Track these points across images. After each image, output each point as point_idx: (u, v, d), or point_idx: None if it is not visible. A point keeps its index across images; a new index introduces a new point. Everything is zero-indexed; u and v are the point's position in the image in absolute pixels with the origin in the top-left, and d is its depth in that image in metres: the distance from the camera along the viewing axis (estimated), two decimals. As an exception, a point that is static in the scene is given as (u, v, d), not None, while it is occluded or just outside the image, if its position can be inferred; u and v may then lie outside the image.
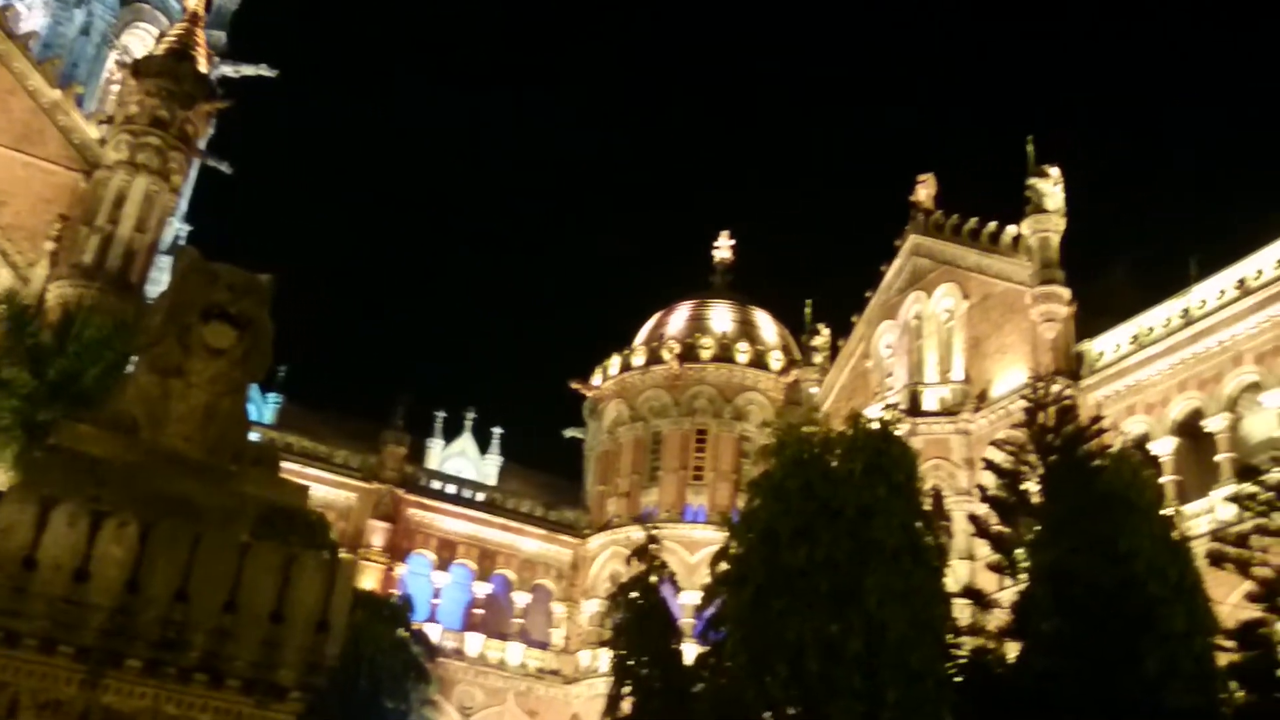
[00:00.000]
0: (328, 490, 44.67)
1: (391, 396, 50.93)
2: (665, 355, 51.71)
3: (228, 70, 51.04)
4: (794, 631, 15.05)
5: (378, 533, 46.01)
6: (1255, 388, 30.97)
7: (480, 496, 50.45)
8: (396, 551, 46.53)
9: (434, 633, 44.60)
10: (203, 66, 38.62)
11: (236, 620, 6.29)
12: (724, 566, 16.89)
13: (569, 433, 55.33)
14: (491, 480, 54.21)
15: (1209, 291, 32.66)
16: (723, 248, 58.64)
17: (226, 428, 7.29)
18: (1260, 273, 31.24)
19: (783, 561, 15.72)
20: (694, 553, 44.15)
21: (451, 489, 50.05)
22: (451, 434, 56.30)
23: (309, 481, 34.96)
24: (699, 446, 50.35)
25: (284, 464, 8.87)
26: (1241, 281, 31.68)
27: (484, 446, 56.73)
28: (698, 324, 54.24)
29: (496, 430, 56.93)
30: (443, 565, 47.92)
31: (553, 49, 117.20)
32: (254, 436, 9.68)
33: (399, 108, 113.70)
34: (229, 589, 6.32)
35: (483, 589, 48.51)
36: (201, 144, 42.48)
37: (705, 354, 51.47)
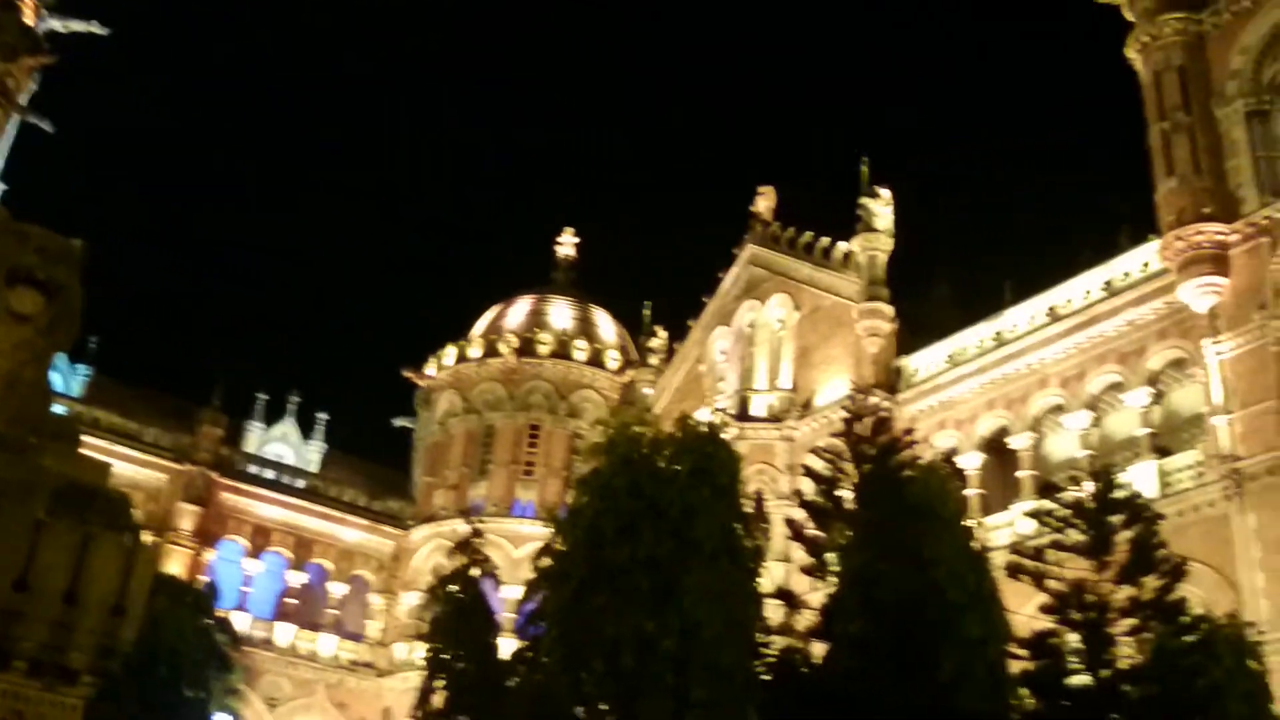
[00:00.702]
0: (136, 470, 42.72)
1: (211, 375, 49.10)
2: (502, 349, 51.49)
3: (55, 24, 48.14)
4: (611, 628, 15.22)
5: (187, 516, 44.25)
6: (1059, 409, 32.92)
7: (300, 483, 49.10)
8: (207, 536, 44.86)
9: (243, 621, 43.31)
10: (28, 18, 36.35)
11: (27, 600, 6.00)
12: (547, 562, 16.95)
13: (398, 422, 54.47)
14: (314, 467, 52.80)
15: (1021, 316, 34.57)
16: (566, 244, 58.79)
17: (28, 398, 6.92)
18: (1070, 301, 33.24)
19: (605, 559, 15.87)
20: (520, 548, 44.07)
21: (269, 474, 48.58)
22: (274, 417, 54.54)
23: (115, 460, 33.51)
24: (531, 442, 50.32)
25: (90, 440, 8.49)
26: (1052, 309, 33.64)
27: (307, 432, 55.15)
28: (537, 319, 54.22)
29: (322, 415, 55.52)
30: (256, 552, 46.43)
31: (402, 27, 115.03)
32: (59, 409, 9.19)
33: (239, 74, 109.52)
34: (20, 567, 6.02)
35: (297, 578, 47.24)
36: (23, 99, 40.01)
37: (543, 349, 51.49)
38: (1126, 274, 31.88)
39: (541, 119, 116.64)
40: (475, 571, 22.84)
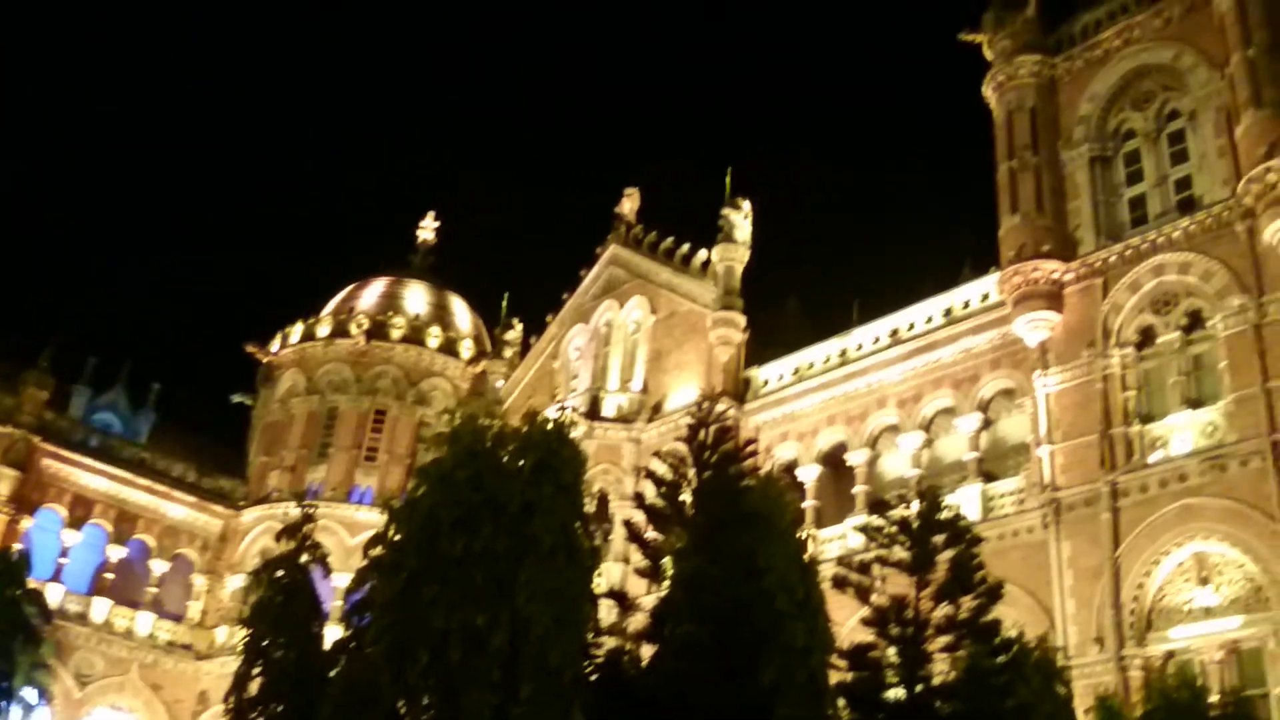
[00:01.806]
0: (-49, 430, 40.18)
1: (40, 336, 46.51)
2: (353, 329, 50.32)
3: None
4: (441, 621, 14.98)
5: (5, 481, 41.99)
6: (895, 429, 34.06)
7: (127, 454, 46.96)
8: (24, 503, 42.57)
9: (56, 594, 41.40)
10: None
11: None
12: (378, 551, 16.57)
13: (237, 398, 52.57)
14: (143, 438, 50.54)
15: (866, 336, 35.65)
16: (427, 229, 57.86)
17: None
18: (912, 326, 34.44)
19: (440, 551, 15.61)
20: (356, 535, 43.06)
21: (94, 442, 46.32)
22: (104, 384, 51.93)
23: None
24: (376, 427, 49.33)
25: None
26: (895, 331, 34.79)
27: (139, 401, 52.72)
28: (391, 302, 53.19)
29: (155, 385, 53.20)
30: (75, 524, 44.21)
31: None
32: None
33: (87, 25, 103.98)
34: None
35: (117, 553, 45.17)
36: None
37: (395, 333, 50.54)
38: (966, 303, 33.21)
39: (415, 100, 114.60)
40: (305, 557, 22.18)
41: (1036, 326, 30.02)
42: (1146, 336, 28.51)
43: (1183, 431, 26.95)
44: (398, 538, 16.40)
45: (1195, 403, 27.12)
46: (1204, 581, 25.72)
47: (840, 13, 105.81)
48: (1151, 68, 31.05)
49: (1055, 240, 30.52)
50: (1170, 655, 25.64)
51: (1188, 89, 30.00)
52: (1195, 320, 27.77)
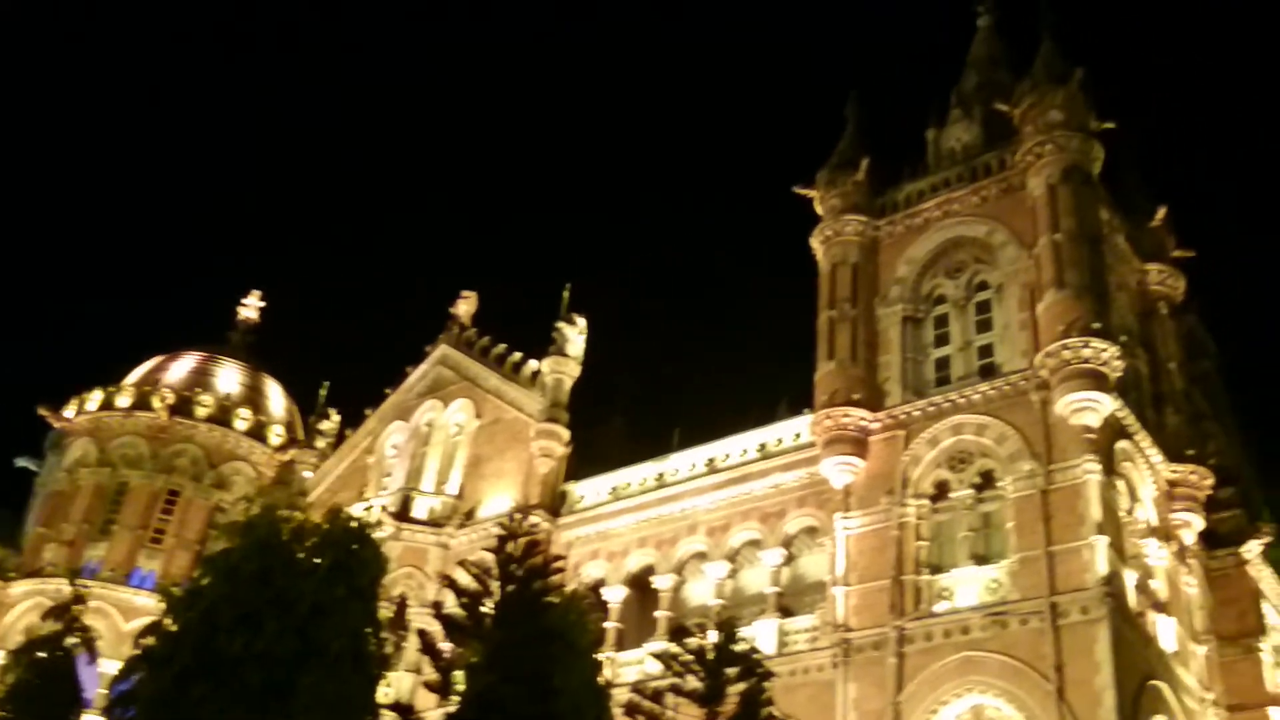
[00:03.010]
0: None
1: None
2: (155, 403, 48.00)
3: None
4: (209, 723, 14.19)
5: None
6: (702, 556, 34.43)
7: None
8: None
9: None
10: None
11: None
12: (151, 641, 15.61)
13: (21, 462, 49.21)
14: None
15: (684, 462, 36.20)
16: (250, 307, 56.19)
17: None
18: (728, 456, 35.20)
19: (217, 647, 14.85)
20: (132, 620, 40.47)
21: None
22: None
23: None
24: (167, 508, 46.90)
25: None
26: (711, 461, 35.47)
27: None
28: (200, 379, 51.10)
29: (-67, 442, 49.30)
30: None
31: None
32: None
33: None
34: None
35: None
36: None
37: (201, 411, 48.48)
38: (780, 440, 34.23)
39: (250, 174, 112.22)
40: (71, 640, 20.68)
41: (842, 470, 31.14)
42: (941, 490, 29.89)
43: (968, 585, 28.15)
44: (174, 629, 15.53)
45: (982, 559, 28.42)
46: (978, 734, 26.54)
47: (689, 148, 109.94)
48: (966, 240, 33.30)
49: (865, 390, 31.96)
50: (946, 806, 26.21)
51: (997, 264, 32.25)
52: (987, 480, 29.30)
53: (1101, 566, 26.15)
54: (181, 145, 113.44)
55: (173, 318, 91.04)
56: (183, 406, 48.14)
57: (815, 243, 35.48)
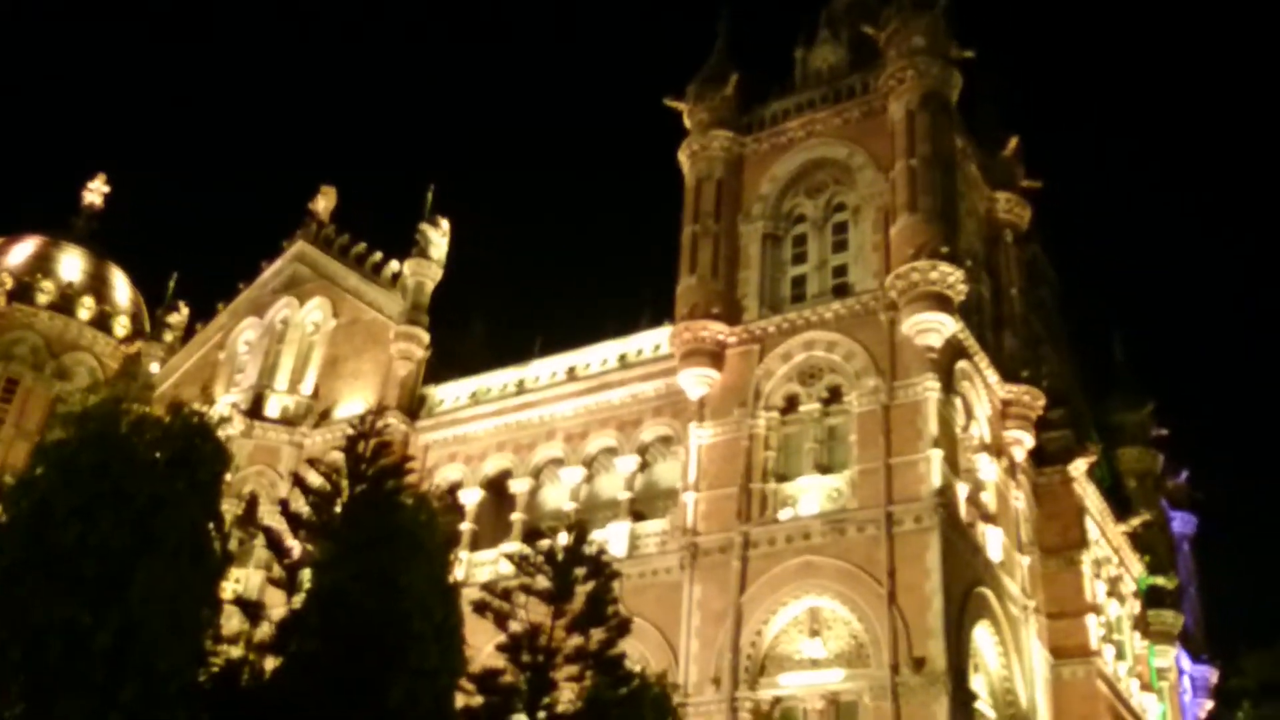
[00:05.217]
0: None
1: None
2: (-8, 288, 45.62)
3: None
4: (40, 615, 13.85)
5: None
6: (559, 462, 34.90)
7: None
8: None
9: None
10: None
11: None
12: (-21, 534, 15.08)
13: None
14: None
15: (544, 370, 36.42)
16: (95, 192, 53.54)
17: None
18: (588, 366, 35.54)
19: (50, 539, 14.45)
20: (-38, 513, 38.86)
21: None
22: None
23: None
24: (6, 396, 45.01)
25: None
26: (572, 369, 35.77)
27: None
28: (42, 264, 48.75)
29: None
30: None
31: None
32: None
33: None
34: None
35: None
36: None
37: (42, 298, 46.45)
38: (640, 351, 34.72)
39: (97, 52, 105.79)
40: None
41: (699, 381, 31.81)
42: (791, 403, 30.88)
43: (811, 494, 29.33)
44: (4, 520, 15.03)
45: (825, 469, 29.59)
46: (814, 634, 27.88)
47: (560, 57, 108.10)
48: (827, 161, 33.91)
49: (724, 304, 32.55)
50: (778, 701, 27.58)
51: (855, 186, 32.97)
52: (835, 395, 30.36)
53: (935, 479, 27.54)
54: (32, 23, 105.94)
55: (11, 199, 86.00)
56: (22, 292, 45.99)
57: (682, 156, 35.61)
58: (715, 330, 31.99)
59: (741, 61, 36.47)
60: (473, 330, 43.82)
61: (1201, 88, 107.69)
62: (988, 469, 31.71)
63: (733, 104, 35.53)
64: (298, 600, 18.18)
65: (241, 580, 32.54)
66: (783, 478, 29.98)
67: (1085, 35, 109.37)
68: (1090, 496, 36.25)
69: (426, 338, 39.09)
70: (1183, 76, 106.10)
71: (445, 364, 39.05)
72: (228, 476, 16.93)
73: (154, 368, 43.47)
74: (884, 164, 32.21)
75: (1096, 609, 34.56)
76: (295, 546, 19.89)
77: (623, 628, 21.86)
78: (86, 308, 47.16)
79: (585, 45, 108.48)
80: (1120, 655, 37.05)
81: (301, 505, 20.37)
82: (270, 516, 35.15)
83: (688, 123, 35.95)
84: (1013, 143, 37.50)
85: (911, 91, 32.06)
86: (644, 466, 33.96)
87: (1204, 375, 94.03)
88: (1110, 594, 37.24)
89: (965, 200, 33.94)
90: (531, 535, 24.95)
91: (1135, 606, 39.82)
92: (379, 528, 18.16)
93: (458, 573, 26.34)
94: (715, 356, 31.88)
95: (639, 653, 28.14)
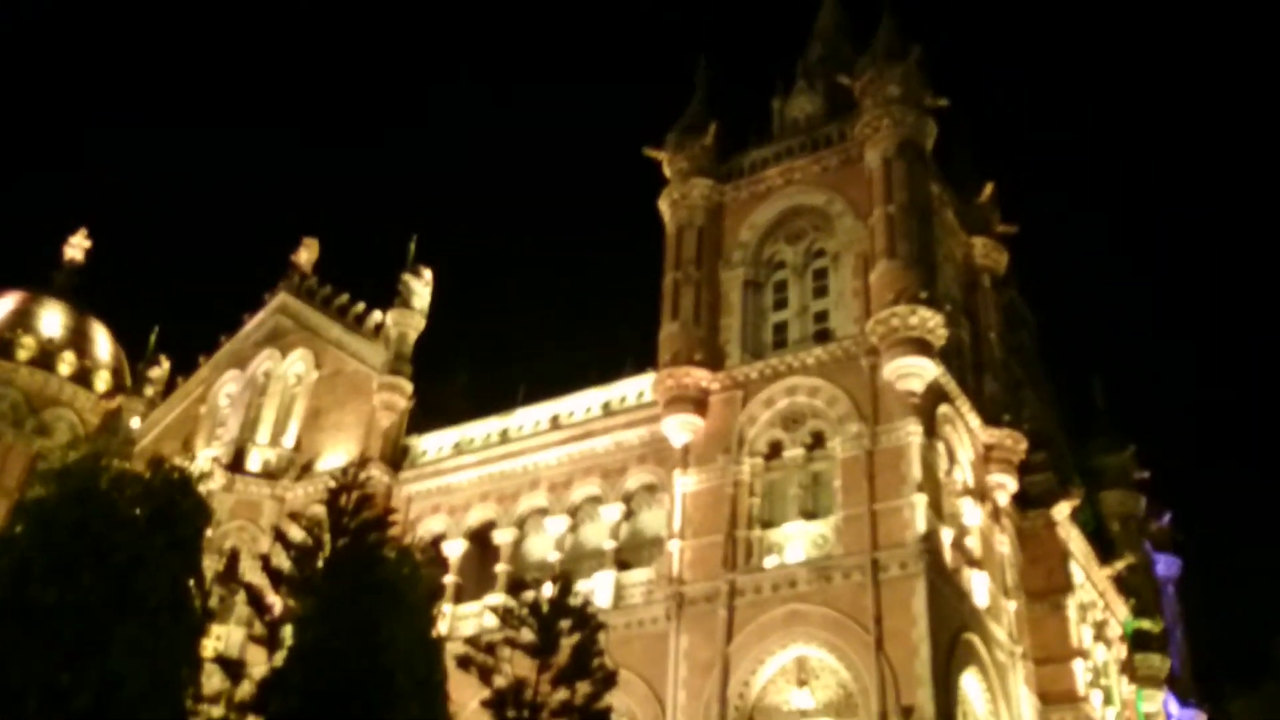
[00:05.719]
0: None
1: None
2: (-29, 344, 45.39)
3: None
4: (19, 675, 13.71)
5: None
6: (543, 512, 34.73)
7: None
8: None
9: None
10: None
11: None
12: (-43, 593, 14.93)
13: None
14: None
15: (528, 419, 36.35)
16: (76, 247, 53.49)
17: None
18: (571, 414, 35.51)
19: (29, 597, 14.34)
20: (-61, 572, 38.33)
21: None
22: None
23: None
24: (-15, 453, 44.40)
25: None
26: (555, 417, 35.72)
27: None
28: (22, 320, 48.55)
29: None
30: None
31: None
32: None
33: None
34: None
35: None
36: None
37: (22, 354, 46.22)
38: (623, 399, 34.73)
39: (77, 106, 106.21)
40: None
41: (682, 428, 31.81)
42: (774, 449, 30.86)
43: (796, 540, 29.22)
44: (-18, 580, 14.89)
45: (810, 515, 29.50)
46: (802, 684, 27.60)
47: (541, 107, 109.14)
48: (806, 208, 34.22)
49: (706, 351, 32.65)
50: (767, 752, 27.26)
51: (835, 232, 33.26)
52: (818, 440, 30.36)
53: (920, 524, 27.50)
54: (12, 77, 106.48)
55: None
56: (2, 348, 45.73)
57: (663, 205, 35.89)
58: (698, 377, 32.07)
59: (720, 111, 36.93)
60: (456, 380, 43.74)
61: (1177, 131, 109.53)
62: (972, 513, 31.72)
63: (712, 153, 35.91)
64: (279, 658, 18.02)
65: (222, 637, 32.13)
66: (768, 524, 29.89)
67: (1060, 80, 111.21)
68: (1074, 540, 36.25)
69: (409, 388, 39.00)
70: (1158, 119, 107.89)
71: (428, 414, 38.93)
72: (209, 532, 16.86)
73: (135, 422, 43.19)
74: (862, 211, 32.53)
75: (1083, 653, 34.44)
76: (277, 603, 19.76)
77: (609, 680, 21.69)
78: (67, 363, 46.95)
79: (566, 96, 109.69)
80: (1108, 700, 36.84)
81: (283, 560, 20.26)
82: (252, 572, 34.75)
83: (668, 172, 36.29)
84: (988, 188, 37.94)
85: (887, 140, 32.47)
86: (629, 515, 33.83)
87: (1184, 417, 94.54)
88: (1097, 638, 37.13)
89: (943, 246, 34.26)
90: (516, 587, 24.84)
91: (1121, 651, 39.67)
92: (361, 582, 18.08)
93: (441, 626, 26.16)
94: (699, 403, 31.92)
95: (625, 706, 27.91)
